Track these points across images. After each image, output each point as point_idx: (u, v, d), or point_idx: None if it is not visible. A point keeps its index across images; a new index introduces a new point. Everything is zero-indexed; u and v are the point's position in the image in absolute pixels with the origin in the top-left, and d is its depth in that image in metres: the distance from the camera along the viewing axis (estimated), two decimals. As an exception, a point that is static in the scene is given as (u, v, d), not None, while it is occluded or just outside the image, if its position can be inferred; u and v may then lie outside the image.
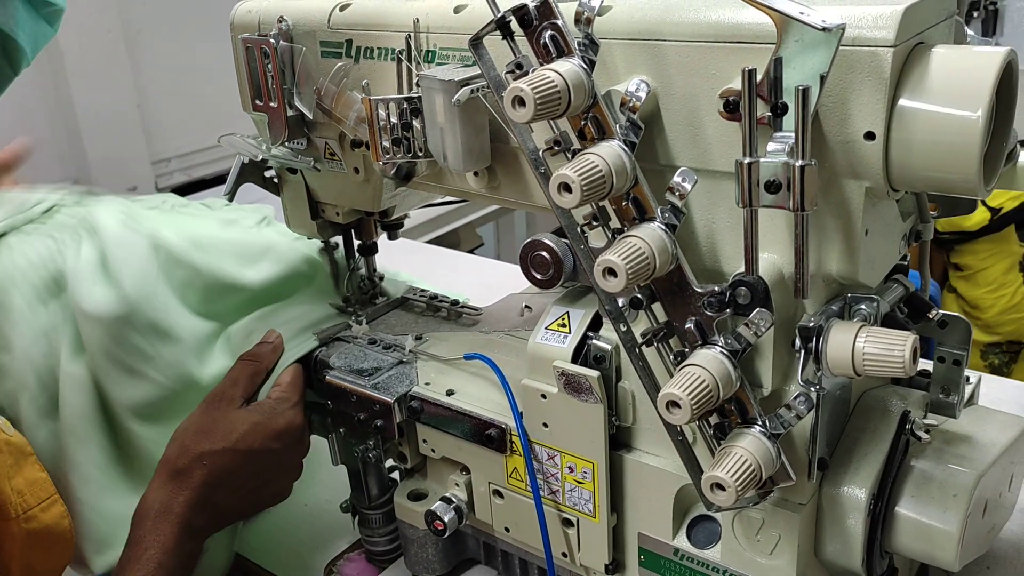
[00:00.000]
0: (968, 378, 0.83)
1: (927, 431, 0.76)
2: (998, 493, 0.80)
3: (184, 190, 2.74)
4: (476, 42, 0.71)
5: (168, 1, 2.91)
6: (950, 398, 0.81)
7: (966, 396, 0.82)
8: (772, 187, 0.60)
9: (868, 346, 0.63)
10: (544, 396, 0.80)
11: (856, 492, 0.73)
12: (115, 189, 2.57)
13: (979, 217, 2.49)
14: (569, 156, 0.69)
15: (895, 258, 0.74)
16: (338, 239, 1.07)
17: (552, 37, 0.66)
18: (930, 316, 0.77)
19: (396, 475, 1.01)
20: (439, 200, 1.13)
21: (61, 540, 0.82)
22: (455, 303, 1.05)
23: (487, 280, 1.65)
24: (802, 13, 0.57)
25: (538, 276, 0.79)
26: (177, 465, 0.84)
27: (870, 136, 0.61)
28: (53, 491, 0.81)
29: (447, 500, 0.91)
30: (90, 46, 2.70)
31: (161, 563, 0.79)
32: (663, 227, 0.67)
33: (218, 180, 3.05)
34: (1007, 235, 2.59)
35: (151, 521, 0.81)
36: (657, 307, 0.70)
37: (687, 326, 0.68)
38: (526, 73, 0.68)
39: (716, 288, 0.66)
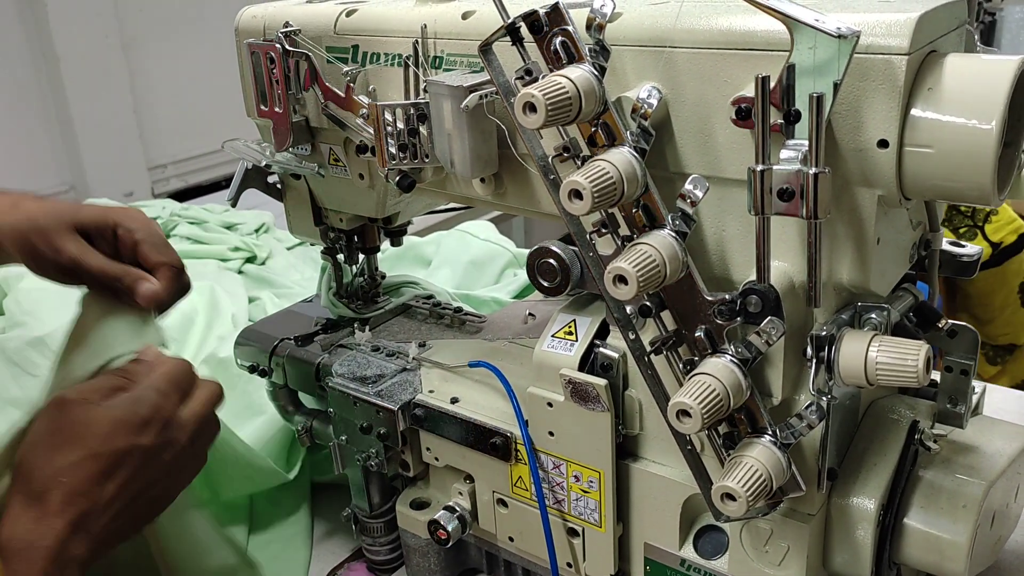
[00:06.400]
0: (974, 388, 0.82)
1: (935, 441, 0.76)
2: (1005, 504, 0.80)
3: (180, 196, 2.73)
4: (486, 48, 0.70)
5: (165, 7, 2.91)
6: (957, 408, 0.81)
7: (972, 406, 0.82)
8: (785, 195, 0.60)
9: (881, 356, 0.62)
10: (550, 404, 0.80)
11: (865, 503, 0.72)
12: (111, 195, 2.58)
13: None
14: (579, 163, 0.69)
15: (905, 267, 0.74)
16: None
17: (563, 43, 0.66)
18: (939, 325, 0.76)
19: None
20: (442, 207, 1.12)
21: None
22: (458, 310, 1.05)
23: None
24: (817, 20, 0.57)
25: (545, 283, 0.78)
26: (31, 488, 0.65)
27: (883, 144, 0.61)
28: None
29: (450, 509, 0.90)
30: (87, 52, 2.69)
31: None
32: (673, 234, 0.66)
33: (214, 186, 3.05)
34: (1006, 269, 2.59)
35: (17, 561, 0.63)
36: (665, 315, 0.70)
37: (697, 334, 0.68)
38: (536, 79, 0.67)
39: (727, 296, 0.66)
